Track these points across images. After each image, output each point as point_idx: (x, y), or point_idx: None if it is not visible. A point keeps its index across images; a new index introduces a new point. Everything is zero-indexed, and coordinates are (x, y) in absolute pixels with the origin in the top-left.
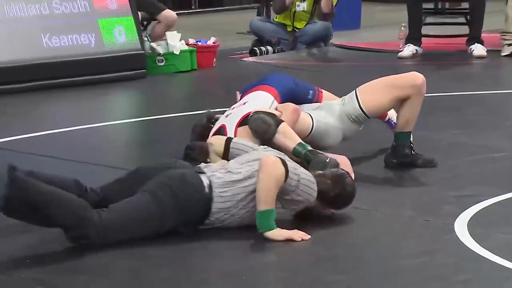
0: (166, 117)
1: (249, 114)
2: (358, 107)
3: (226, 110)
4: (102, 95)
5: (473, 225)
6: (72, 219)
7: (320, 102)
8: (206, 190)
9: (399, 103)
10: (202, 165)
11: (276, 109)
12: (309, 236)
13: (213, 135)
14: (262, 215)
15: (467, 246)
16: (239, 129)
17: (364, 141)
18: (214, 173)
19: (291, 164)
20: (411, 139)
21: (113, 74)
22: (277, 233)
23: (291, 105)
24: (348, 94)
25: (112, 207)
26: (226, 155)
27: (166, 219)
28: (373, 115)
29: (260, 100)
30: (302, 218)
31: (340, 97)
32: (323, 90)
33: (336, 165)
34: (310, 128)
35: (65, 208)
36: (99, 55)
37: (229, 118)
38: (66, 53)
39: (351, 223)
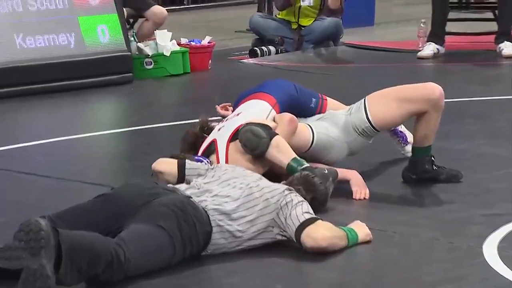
0: (155, 127)
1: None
2: (366, 119)
3: (222, 118)
4: (83, 103)
5: (505, 248)
6: (107, 259)
7: (324, 112)
8: (205, 219)
9: (414, 116)
10: (178, 186)
11: (273, 120)
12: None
13: (204, 150)
14: (349, 243)
15: (497, 272)
16: (231, 144)
17: (378, 152)
18: (201, 198)
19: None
20: (432, 153)
21: (95, 79)
22: (363, 235)
23: (286, 115)
24: (356, 103)
25: (126, 240)
26: (181, 181)
27: (177, 253)
28: (383, 128)
29: (256, 110)
30: None
31: (349, 105)
32: (328, 98)
33: (337, 176)
34: (310, 142)
35: (101, 249)
36: (79, 58)
37: (221, 132)
38: (42, 55)
39: (365, 247)
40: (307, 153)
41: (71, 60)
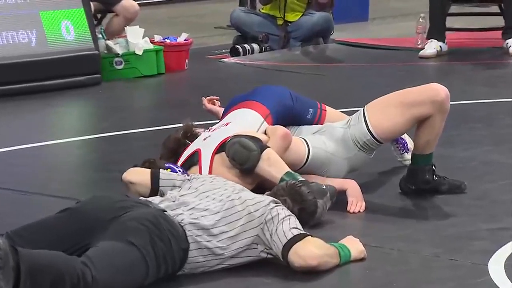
0: (126, 133)
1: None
2: (367, 131)
3: (207, 124)
4: (46, 107)
5: None
6: (72, 281)
7: (322, 123)
8: (182, 235)
9: (417, 122)
10: (151, 199)
11: (264, 133)
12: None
13: (185, 160)
14: (341, 262)
15: None
16: (216, 156)
17: (374, 160)
18: (177, 212)
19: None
20: (433, 161)
21: (59, 81)
22: (356, 253)
23: (279, 129)
24: (355, 114)
25: (93, 259)
26: (154, 193)
27: (150, 272)
28: (386, 139)
29: (246, 121)
30: None
31: (346, 113)
32: (328, 108)
33: (335, 192)
34: (305, 158)
35: (65, 269)
36: (41, 57)
37: (207, 142)
38: (0, 54)
39: (359, 265)
40: (301, 170)
41: (32, 60)
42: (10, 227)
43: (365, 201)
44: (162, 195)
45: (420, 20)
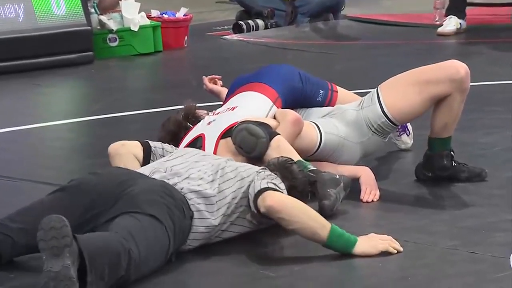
0: (120, 115)
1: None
2: (381, 112)
3: (208, 107)
4: (35, 87)
5: None
6: (125, 259)
7: (333, 105)
8: (186, 202)
9: (435, 102)
10: (142, 170)
11: (274, 117)
12: (401, 248)
13: (187, 144)
14: (333, 239)
15: None
16: (221, 142)
17: (387, 145)
18: (174, 181)
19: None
20: (451, 146)
21: (49, 58)
22: (367, 245)
23: (290, 114)
24: (368, 95)
25: (133, 235)
26: (147, 154)
27: (171, 245)
28: (402, 121)
29: (254, 105)
30: (305, 251)
31: (362, 96)
32: (339, 89)
33: (349, 183)
34: (317, 144)
35: (118, 249)
36: (30, 33)
37: (211, 127)
38: None
39: (374, 258)
40: (313, 157)
41: (20, 36)
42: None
43: (379, 189)
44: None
45: None
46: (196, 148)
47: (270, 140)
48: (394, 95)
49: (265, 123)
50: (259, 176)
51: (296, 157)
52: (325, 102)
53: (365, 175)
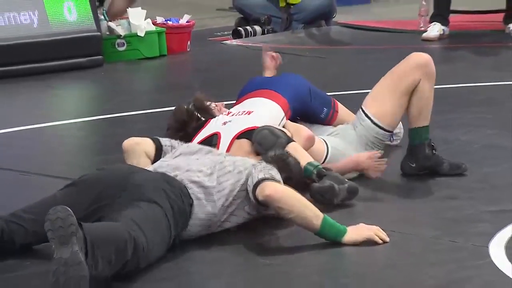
0: (128, 115)
1: (255, 129)
2: (373, 125)
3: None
4: (48, 88)
5: None
6: (131, 246)
7: (332, 123)
8: (185, 191)
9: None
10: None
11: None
12: (387, 238)
13: (203, 140)
14: (325, 228)
15: (505, 274)
16: (236, 141)
17: None
18: (175, 173)
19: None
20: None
21: (61, 62)
22: (355, 234)
23: (304, 131)
24: (356, 116)
25: (138, 223)
26: (158, 151)
27: (172, 232)
28: (393, 124)
29: (270, 113)
30: (299, 240)
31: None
32: (339, 108)
33: (356, 190)
34: (325, 155)
35: (124, 237)
36: (43, 38)
37: (227, 127)
38: (2, 35)
39: (361, 247)
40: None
41: (34, 41)
42: (9, 209)
43: (364, 184)
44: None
45: (423, 2)
46: (212, 145)
47: (287, 143)
48: (376, 105)
49: (284, 131)
50: (256, 168)
51: (309, 158)
52: (327, 119)
53: (363, 162)
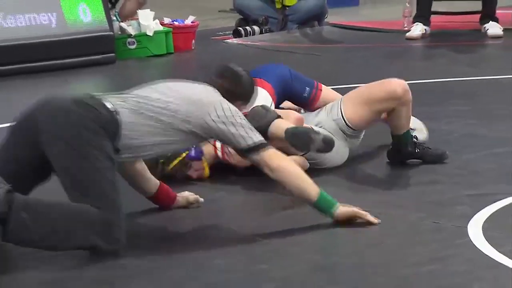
0: None
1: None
2: (344, 122)
3: None
4: (64, 83)
5: (489, 228)
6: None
7: (316, 102)
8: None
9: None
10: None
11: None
12: (376, 221)
13: None
14: (321, 200)
15: (482, 252)
16: None
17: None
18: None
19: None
20: (413, 135)
21: (77, 59)
22: (345, 208)
23: (293, 112)
24: (333, 106)
25: (90, 195)
26: None
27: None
28: (360, 128)
29: (260, 99)
30: (294, 222)
31: (342, 93)
32: (323, 87)
33: (331, 142)
34: None
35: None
36: (61, 37)
37: None
38: (23, 34)
39: (350, 227)
40: (310, 154)
41: (52, 40)
42: None
43: (353, 170)
44: None
45: (407, 4)
46: None
47: (276, 118)
48: (350, 110)
49: (275, 111)
50: (228, 120)
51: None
52: (310, 97)
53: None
